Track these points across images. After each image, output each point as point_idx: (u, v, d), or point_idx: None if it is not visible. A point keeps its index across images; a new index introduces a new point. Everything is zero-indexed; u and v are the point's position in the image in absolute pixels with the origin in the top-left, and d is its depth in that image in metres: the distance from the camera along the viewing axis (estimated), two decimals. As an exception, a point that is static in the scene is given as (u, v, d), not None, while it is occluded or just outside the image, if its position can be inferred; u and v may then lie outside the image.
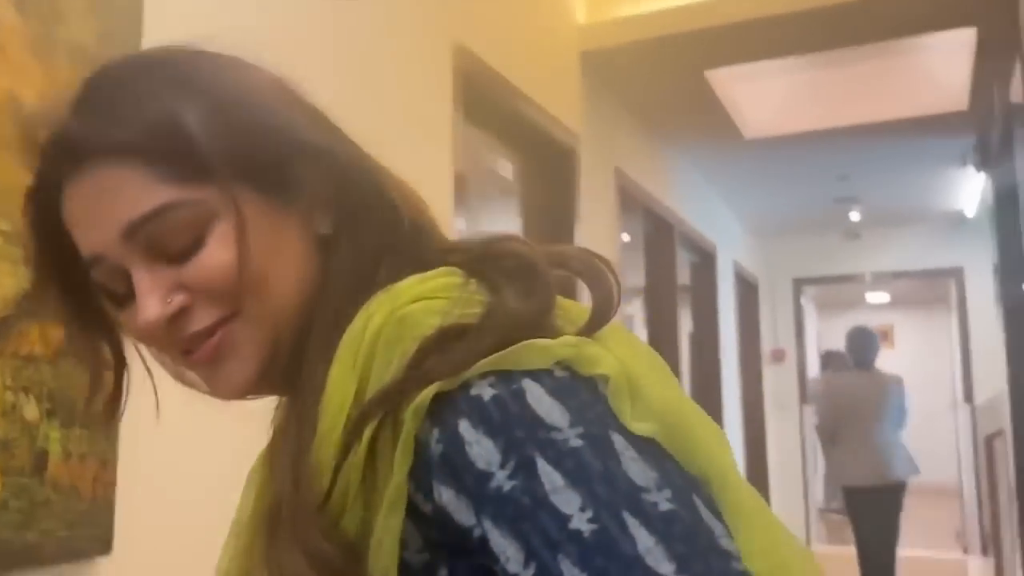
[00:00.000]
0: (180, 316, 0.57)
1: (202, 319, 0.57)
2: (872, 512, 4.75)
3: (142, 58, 0.63)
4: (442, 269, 0.56)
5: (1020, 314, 3.68)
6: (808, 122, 4.56)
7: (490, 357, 0.50)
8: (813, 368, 8.26)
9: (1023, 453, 3.51)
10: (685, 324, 5.48)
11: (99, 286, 0.60)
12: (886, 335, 10.30)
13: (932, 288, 9.02)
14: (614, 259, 3.68)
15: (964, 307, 6.87)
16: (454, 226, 2.23)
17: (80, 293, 0.61)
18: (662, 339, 4.72)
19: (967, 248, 6.47)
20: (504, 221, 2.90)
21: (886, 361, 7.65)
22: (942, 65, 3.83)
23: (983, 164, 4.15)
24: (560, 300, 0.56)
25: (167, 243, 0.56)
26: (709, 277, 5.73)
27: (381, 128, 2.04)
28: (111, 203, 0.56)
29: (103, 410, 0.63)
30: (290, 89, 0.63)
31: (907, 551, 5.87)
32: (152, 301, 0.56)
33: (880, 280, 8.04)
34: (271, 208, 0.58)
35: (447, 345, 0.51)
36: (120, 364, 0.63)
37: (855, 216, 6.23)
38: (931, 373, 9.92)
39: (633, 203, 4.03)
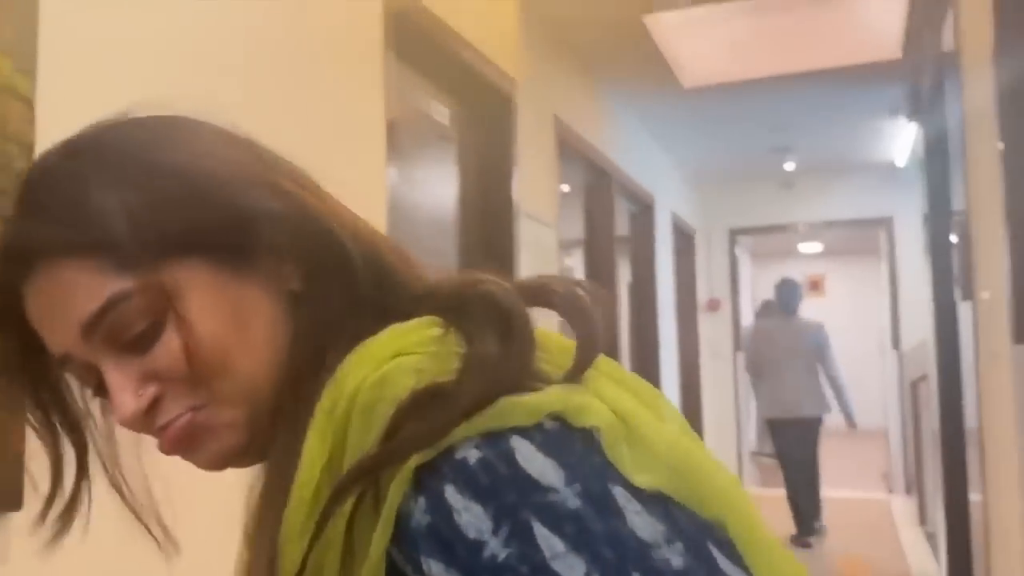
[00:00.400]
0: (154, 405, 0.56)
1: (173, 409, 0.56)
2: (792, 445, 5.17)
3: (72, 147, 0.59)
4: (418, 321, 0.54)
5: (946, 263, 3.77)
6: (745, 71, 4.56)
7: (472, 419, 0.46)
8: (747, 317, 8.42)
9: (946, 397, 3.62)
10: (624, 275, 5.51)
11: (76, 379, 0.59)
12: (817, 284, 10.55)
13: (863, 237, 9.22)
14: (552, 209, 3.65)
15: (893, 256, 7.05)
16: (386, 174, 2.15)
17: (47, 391, 0.61)
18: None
19: (897, 198, 6.60)
20: (440, 168, 2.83)
21: (818, 309, 7.81)
22: (877, 13, 3.84)
23: (914, 113, 4.20)
24: (540, 338, 0.53)
25: (126, 333, 0.55)
26: (647, 227, 5.75)
27: (306, 71, 1.95)
28: (66, 303, 0.55)
29: (59, 516, 0.61)
30: (236, 144, 0.61)
31: (835, 491, 6.08)
32: (125, 398, 0.55)
33: (813, 230, 8.19)
34: (231, 276, 0.56)
35: (425, 408, 0.47)
36: (81, 471, 0.61)
37: (790, 166, 6.30)
38: (861, 321, 10.22)
39: (572, 152, 3.99)
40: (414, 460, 0.46)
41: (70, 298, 0.54)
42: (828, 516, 5.46)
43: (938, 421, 3.76)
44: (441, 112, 2.80)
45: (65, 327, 0.55)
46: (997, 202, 2.31)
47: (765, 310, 5.94)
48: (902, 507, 5.92)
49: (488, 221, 3.08)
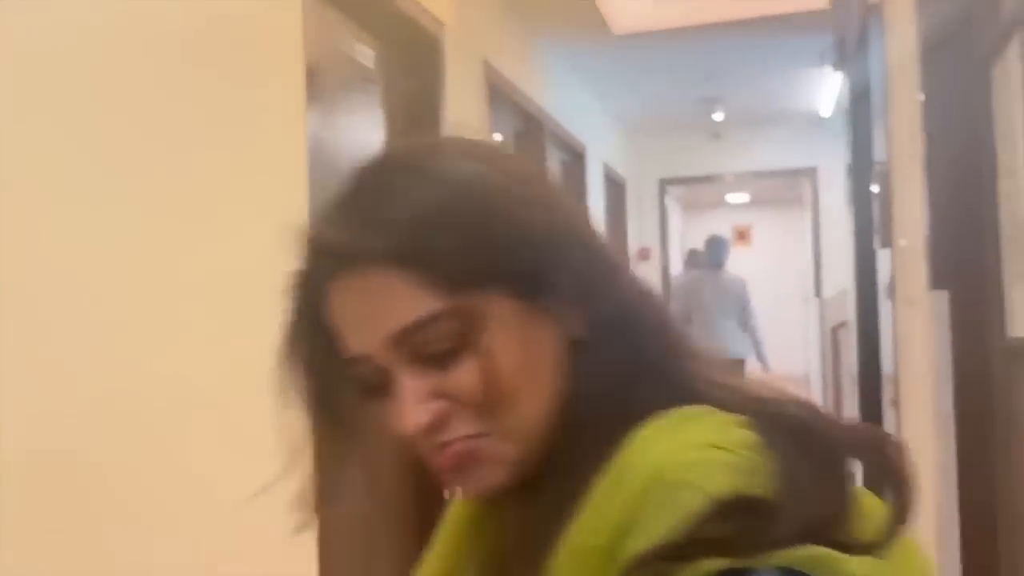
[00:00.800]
0: (438, 423, 0.58)
1: (457, 429, 0.58)
2: None
3: (399, 160, 0.62)
4: (734, 419, 0.54)
5: (867, 212, 3.85)
6: (675, 18, 4.54)
7: (785, 551, 0.46)
8: (677, 266, 8.54)
9: (864, 343, 3.73)
10: (554, 223, 5.49)
11: (356, 378, 0.60)
12: (744, 234, 10.74)
13: (789, 188, 9.40)
14: (482, 156, 3.59)
15: (817, 206, 7.20)
16: (306, 119, 2.08)
17: (327, 383, 0.63)
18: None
19: (822, 148, 6.72)
20: (364, 113, 2.75)
21: (745, 259, 7.94)
22: (806, -37, 3.84)
23: (840, 63, 4.24)
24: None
25: (430, 349, 0.57)
26: (578, 177, 5.74)
27: (219, 10, 1.85)
28: (378, 309, 0.57)
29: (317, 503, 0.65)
30: (541, 181, 0.63)
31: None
32: (414, 409, 0.57)
33: (741, 180, 8.30)
34: (529, 313, 0.58)
35: (735, 516, 0.47)
36: (340, 461, 0.65)
37: (719, 116, 6.34)
38: (786, 269, 10.46)
39: (502, 99, 3.93)
40: (711, 564, 0.46)
41: (386, 306, 0.56)
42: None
43: (856, 365, 3.88)
44: (366, 55, 2.71)
45: (373, 331, 0.57)
46: (916, 153, 2.35)
47: (693, 260, 6.20)
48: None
49: (416, 169, 3.02)
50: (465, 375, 0.56)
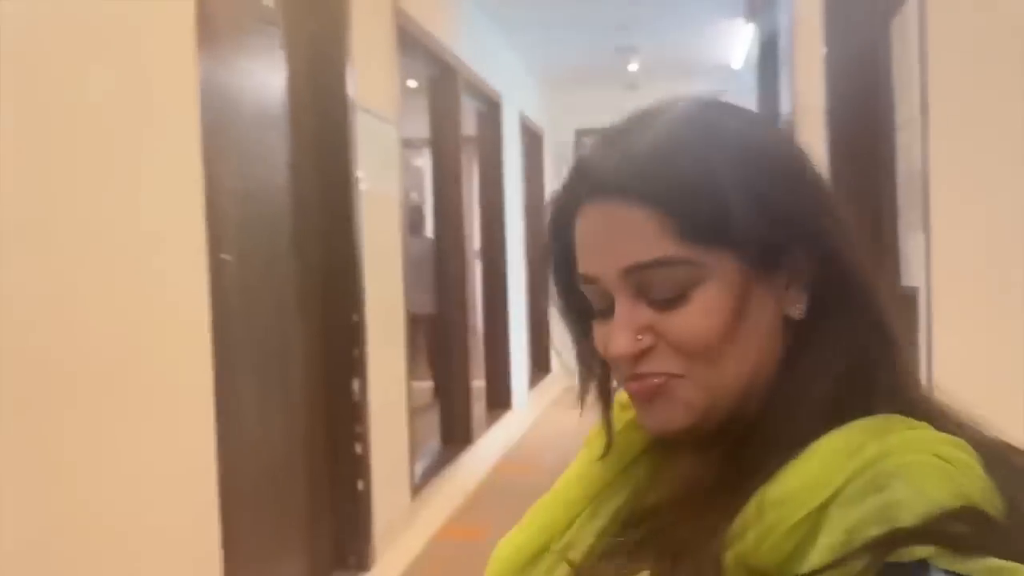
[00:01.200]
0: (641, 354, 0.61)
1: (658, 365, 0.61)
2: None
3: (683, 109, 0.64)
4: (960, 442, 0.55)
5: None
6: (591, -34, 4.49)
7: (998, 560, 0.49)
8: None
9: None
10: (472, 175, 5.45)
11: (587, 296, 0.64)
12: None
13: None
14: (393, 104, 3.52)
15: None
16: (196, 61, 1.98)
17: (570, 291, 0.67)
18: (448, 189, 4.67)
19: (734, 100, 6.79)
20: (265, 56, 2.65)
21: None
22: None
23: (751, 15, 4.29)
24: None
25: (655, 289, 0.60)
26: (495, 126, 5.69)
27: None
28: (618, 240, 0.60)
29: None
30: (804, 157, 0.64)
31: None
32: (625, 336, 0.60)
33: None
34: (756, 283, 0.60)
35: (971, 521, 0.50)
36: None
37: (634, 67, 6.34)
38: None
39: (414, 44, 3.84)
40: (929, 552, 0.49)
41: (626, 239, 0.59)
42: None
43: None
44: (265, -5, 2.60)
45: (608, 259, 0.60)
46: (819, 104, 2.40)
47: None
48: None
49: (321, 116, 2.93)
50: (679, 321, 0.59)
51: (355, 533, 3.06)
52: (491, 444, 4.89)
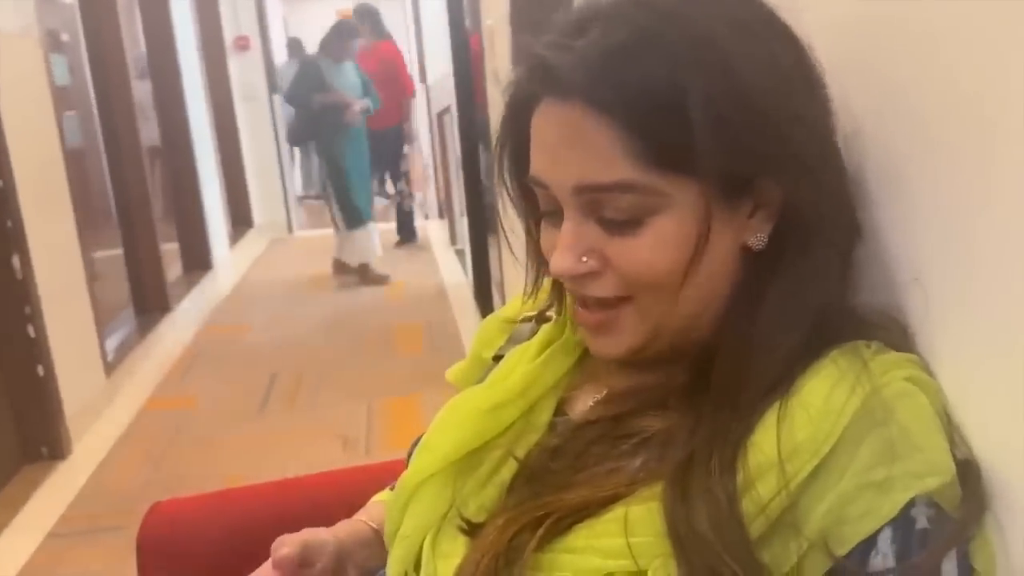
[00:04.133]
0: (586, 276, 0.58)
1: (602, 289, 0.58)
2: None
3: (664, 6, 0.54)
4: (912, 359, 0.56)
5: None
6: None
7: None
8: (280, 56, 8.07)
9: (465, 127, 3.85)
10: (134, 15, 4.80)
11: (535, 195, 0.61)
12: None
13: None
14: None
15: (416, -10, 7.09)
16: None
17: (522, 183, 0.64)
18: (102, 31, 4.07)
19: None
20: None
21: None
22: None
23: None
24: None
25: (607, 210, 0.56)
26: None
27: None
28: (575, 152, 0.55)
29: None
30: (805, 68, 0.57)
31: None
32: (569, 255, 0.57)
33: (340, -38, 7.87)
34: (718, 211, 0.55)
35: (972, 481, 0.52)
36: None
37: None
38: (392, 57, 10.36)
39: None
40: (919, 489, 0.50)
41: (583, 153, 0.54)
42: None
43: (460, 149, 4.01)
44: None
45: (561, 169, 0.56)
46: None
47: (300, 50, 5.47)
48: (437, 228, 6.44)
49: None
50: (629, 250, 0.56)
51: (43, 423, 2.77)
52: (192, 308, 4.61)
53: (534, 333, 0.69)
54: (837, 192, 0.57)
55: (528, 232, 0.66)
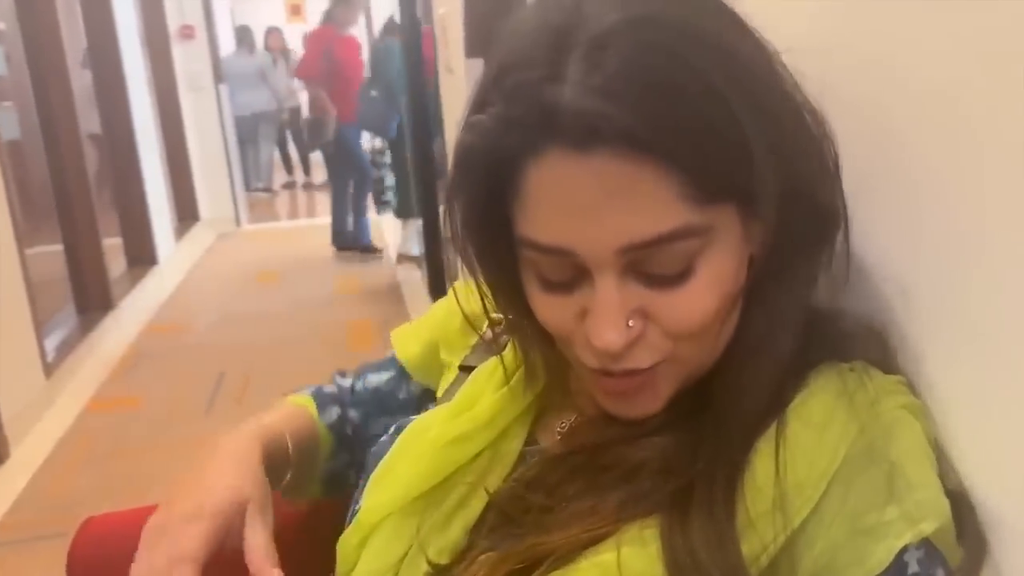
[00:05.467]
0: (630, 344, 0.50)
1: (643, 357, 0.51)
2: None
3: (680, 20, 0.47)
4: (901, 381, 0.53)
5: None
6: None
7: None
8: (226, 46, 7.91)
9: (417, 122, 3.79)
10: (74, 8, 4.64)
11: (536, 263, 0.51)
12: (298, 9, 10.22)
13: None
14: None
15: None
16: None
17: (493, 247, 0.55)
18: (39, 18, 3.93)
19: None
20: None
21: (300, 33, 7.51)
22: None
23: None
24: None
25: (656, 266, 0.48)
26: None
27: None
28: (616, 209, 0.46)
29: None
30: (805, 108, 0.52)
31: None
32: (614, 327, 0.48)
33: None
34: (745, 229, 0.50)
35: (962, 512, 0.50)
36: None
37: None
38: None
39: None
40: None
41: (630, 206, 0.46)
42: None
43: (411, 146, 3.95)
44: None
45: (597, 230, 0.46)
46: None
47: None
48: (390, 225, 6.36)
49: None
50: (681, 303, 0.48)
51: (-22, 429, 2.67)
52: (135, 306, 4.48)
53: (496, 342, 0.65)
54: (830, 197, 0.54)
55: (499, 297, 0.58)
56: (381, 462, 0.62)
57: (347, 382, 0.85)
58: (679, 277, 0.48)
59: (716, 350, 0.54)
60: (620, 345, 0.49)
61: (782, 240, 0.51)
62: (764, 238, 0.50)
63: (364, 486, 0.63)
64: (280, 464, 0.70)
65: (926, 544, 0.48)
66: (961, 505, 0.50)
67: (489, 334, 0.66)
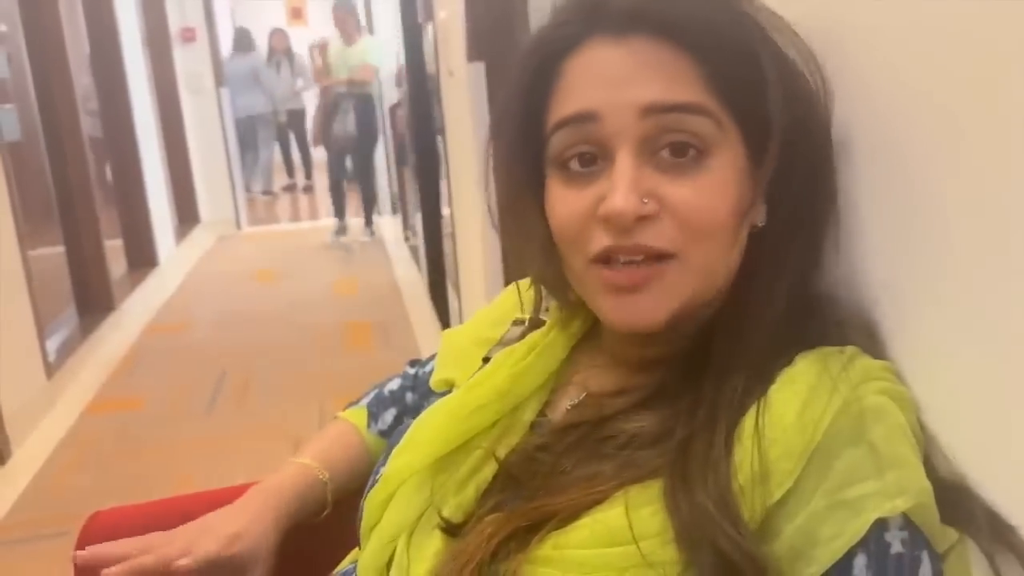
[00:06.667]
0: (643, 220, 0.54)
1: (657, 238, 0.54)
2: None
3: None
4: (887, 367, 0.55)
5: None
6: None
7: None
8: (227, 48, 7.91)
9: (416, 117, 3.80)
10: (76, 10, 4.65)
11: (555, 152, 0.57)
12: (299, 13, 10.23)
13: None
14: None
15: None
16: None
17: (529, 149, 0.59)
18: (42, 20, 3.94)
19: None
20: None
21: (302, 37, 7.54)
22: None
23: None
24: None
25: (671, 145, 0.54)
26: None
27: None
28: (643, 77, 0.53)
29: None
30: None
31: (326, 221, 6.32)
32: (630, 194, 0.53)
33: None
34: (746, 175, 0.55)
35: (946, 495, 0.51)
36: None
37: None
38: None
39: None
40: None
41: (651, 75, 0.53)
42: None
43: (412, 145, 3.97)
44: None
45: (625, 92, 0.53)
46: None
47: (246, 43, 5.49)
48: (391, 224, 6.37)
49: None
50: (693, 194, 0.53)
51: (-21, 430, 2.67)
52: (137, 307, 4.49)
53: (523, 336, 0.69)
54: (830, 177, 0.59)
55: (517, 207, 0.62)
56: (407, 432, 0.67)
57: (413, 370, 0.94)
58: (689, 166, 0.54)
59: (718, 277, 0.57)
60: (633, 208, 0.53)
61: (782, 213, 0.57)
62: (761, 209, 0.57)
63: (387, 454, 0.68)
64: (313, 504, 0.81)
65: (909, 525, 0.49)
66: (959, 493, 0.50)
67: (518, 324, 0.72)
